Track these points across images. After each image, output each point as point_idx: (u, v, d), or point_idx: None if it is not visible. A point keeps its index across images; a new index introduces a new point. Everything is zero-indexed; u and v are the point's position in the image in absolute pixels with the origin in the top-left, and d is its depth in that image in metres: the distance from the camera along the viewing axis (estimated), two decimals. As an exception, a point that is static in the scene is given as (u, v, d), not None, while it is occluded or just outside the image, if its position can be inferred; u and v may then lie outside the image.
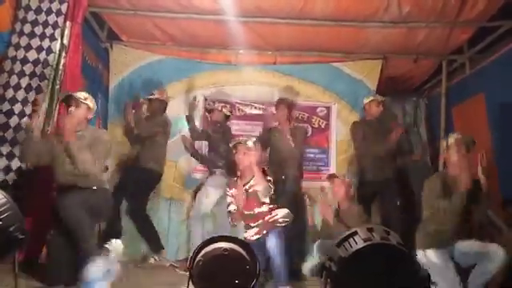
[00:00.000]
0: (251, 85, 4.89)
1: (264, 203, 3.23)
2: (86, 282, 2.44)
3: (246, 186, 3.28)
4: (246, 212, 3.24)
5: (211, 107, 4.51)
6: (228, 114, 4.42)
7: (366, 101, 4.34)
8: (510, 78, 3.69)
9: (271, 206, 3.24)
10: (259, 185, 3.17)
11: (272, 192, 3.24)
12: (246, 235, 3.26)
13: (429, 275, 1.97)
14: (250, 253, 2.30)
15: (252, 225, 3.23)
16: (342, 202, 3.53)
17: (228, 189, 3.40)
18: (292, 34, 4.51)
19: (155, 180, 4.25)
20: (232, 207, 3.29)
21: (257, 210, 3.21)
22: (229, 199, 3.35)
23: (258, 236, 3.19)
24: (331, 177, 3.73)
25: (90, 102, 2.99)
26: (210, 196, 4.14)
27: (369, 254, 1.94)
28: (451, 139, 3.00)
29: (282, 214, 3.12)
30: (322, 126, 4.83)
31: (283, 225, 3.08)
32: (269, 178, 3.23)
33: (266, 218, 3.13)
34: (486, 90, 4.06)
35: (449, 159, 2.98)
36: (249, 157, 3.25)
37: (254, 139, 3.45)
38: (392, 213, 4.03)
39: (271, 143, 4.23)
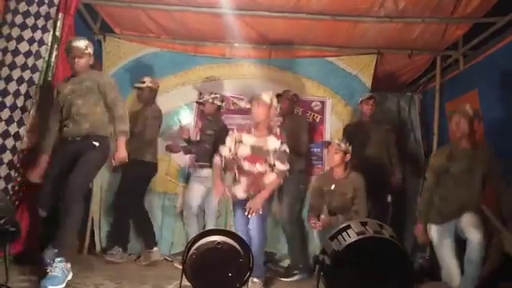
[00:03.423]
0: (246, 79, 4.86)
1: (266, 161, 3.17)
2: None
3: (260, 143, 3.20)
4: (247, 164, 3.19)
5: (202, 100, 4.38)
6: (219, 104, 4.35)
7: (360, 99, 4.40)
8: (505, 74, 3.70)
9: (270, 167, 3.18)
10: (272, 145, 3.16)
11: (282, 159, 3.17)
12: (233, 190, 3.25)
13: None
14: (243, 246, 2.30)
15: (243, 179, 3.20)
16: (337, 168, 3.54)
17: (234, 131, 3.34)
18: (287, 28, 4.49)
19: (153, 173, 4.21)
20: (225, 151, 3.28)
21: (257, 166, 3.15)
22: (228, 142, 3.31)
23: (243, 195, 3.18)
24: (327, 143, 3.77)
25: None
26: (197, 191, 4.14)
27: (362, 248, 1.94)
28: (455, 112, 3.08)
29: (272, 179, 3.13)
30: (317, 121, 4.82)
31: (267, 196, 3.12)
32: (285, 147, 3.19)
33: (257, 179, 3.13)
34: (480, 87, 4.07)
35: (452, 130, 3.06)
36: (264, 110, 3.17)
37: (271, 94, 3.27)
38: (384, 208, 4.05)
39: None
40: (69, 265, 2.60)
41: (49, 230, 2.90)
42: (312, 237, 3.95)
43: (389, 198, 4.16)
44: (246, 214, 3.08)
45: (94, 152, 2.95)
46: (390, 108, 5.13)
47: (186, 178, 4.57)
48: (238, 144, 3.26)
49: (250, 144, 3.22)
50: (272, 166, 3.19)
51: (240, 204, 3.21)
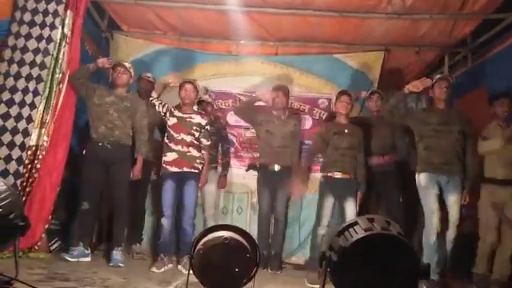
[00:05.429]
0: (252, 76, 4.85)
1: (191, 134, 3.68)
2: None
3: (185, 115, 3.72)
4: (173, 133, 3.68)
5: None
6: (209, 100, 4.37)
7: (366, 94, 4.35)
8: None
9: (196, 141, 3.72)
10: (195, 120, 3.72)
11: (206, 136, 3.78)
12: (163, 163, 3.68)
13: (428, 265, 1.97)
14: (250, 241, 2.31)
15: (173, 147, 3.66)
16: (343, 116, 3.91)
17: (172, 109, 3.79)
18: (294, 24, 4.49)
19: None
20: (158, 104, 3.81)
21: (182, 136, 3.66)
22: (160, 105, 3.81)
23: (174, 169, 3.65)
24: (342, 93, 3.98)
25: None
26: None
27: (369, 244, 1.93)
28: (436, 77, 3.51)
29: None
30: (323, 118, 4.80)
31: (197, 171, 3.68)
32: (208, 126, 3.79)
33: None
34: (489, 84, 4.03)
35: (434, 94, 3.48)
36: (194, 94, 3.77)
37: (197, 82, 3.90)
38: (394, 206, 4.00)
39: (266, 129, 4.11)
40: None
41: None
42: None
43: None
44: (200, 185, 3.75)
45: (125, 165, 3.59)
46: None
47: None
48: (169, 115, 3.73)
49: (177, 115, 3.72)
50: (196, 139, 3.71)
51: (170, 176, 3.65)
